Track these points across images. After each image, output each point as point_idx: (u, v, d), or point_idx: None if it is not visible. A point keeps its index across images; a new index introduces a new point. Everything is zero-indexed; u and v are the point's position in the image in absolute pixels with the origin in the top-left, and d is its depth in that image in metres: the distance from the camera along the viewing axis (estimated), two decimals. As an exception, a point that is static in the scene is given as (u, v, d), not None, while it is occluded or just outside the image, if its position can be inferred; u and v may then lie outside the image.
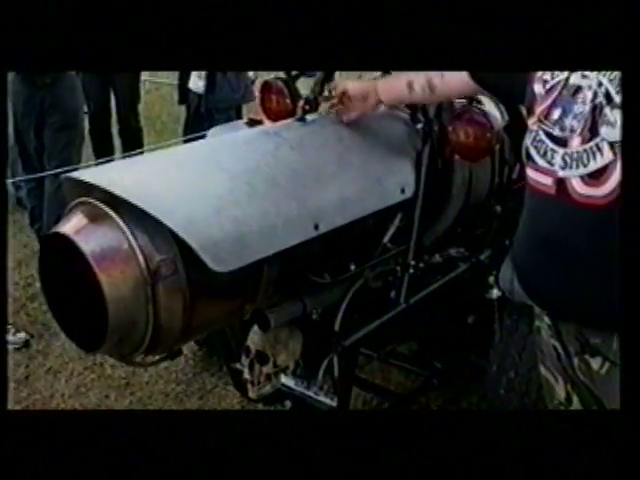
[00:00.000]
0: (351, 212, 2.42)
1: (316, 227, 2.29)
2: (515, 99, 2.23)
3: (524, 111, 2.06)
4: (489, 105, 2.84)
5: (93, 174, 2.25)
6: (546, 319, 2.04)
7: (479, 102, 2.80)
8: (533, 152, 1.87)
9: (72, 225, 2.08)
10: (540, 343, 2.12)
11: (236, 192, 2.17)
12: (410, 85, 2.42)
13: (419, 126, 2.75)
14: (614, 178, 1.69)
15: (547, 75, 1.88)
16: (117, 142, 6.50)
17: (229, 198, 2.15)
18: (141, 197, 2.01)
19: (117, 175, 2.16)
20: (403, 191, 2.62)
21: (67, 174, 2.22)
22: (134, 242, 2.02)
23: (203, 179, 2.22)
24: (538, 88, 1.90)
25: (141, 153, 5.71)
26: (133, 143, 6.25)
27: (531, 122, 1.89)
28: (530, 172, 1.89)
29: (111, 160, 5.53)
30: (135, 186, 2.10)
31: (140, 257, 2.01)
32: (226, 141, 2.61)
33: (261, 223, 2.16)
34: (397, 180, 2.61)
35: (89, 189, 2.11)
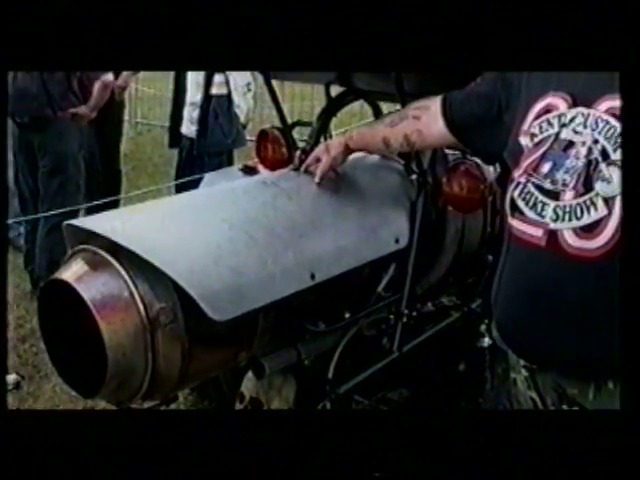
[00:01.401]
0: (347, 262, 2.46)
1: (312, 276, 2.32)
2: (491, 155, 2.26)
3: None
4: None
5: (95, 222, 2.28)
6: (523, 371, 2.06)
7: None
8: (521, 204, 1.86)
9: (73, 272, 2.11)
10: (517, 394, 2.13)
11: (235, 242, 2.21)
12: (386, 142, 2.44)
13: (413, 177, 2.80)
14: (607, 231, 1.71)
15: (535, 129, 1.89)
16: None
17: (228, 248, 2.19)
18: (142, 245, 2.04)
19: (119, 223, 2.19)
20: (397, 241, 2.66)
21: (68, 221, 2.25)
22: (135, 290, 2.05)
23: (203, 228, 2.26)
24: (525, 141, 1.90)
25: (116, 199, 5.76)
26: (112, 186, 6.15)
27: (517, 174, 1.89)
28: (516, 224, 1.89)
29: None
30: (136, 234, 2.13)
31: (140, 305, 2.04)
32: (225, 190, 2.66)
33: (259, 272, 2.19)
34: (392, 230, 2.66)
35: (90, 236, 2.14)
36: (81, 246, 2.18)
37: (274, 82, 3.24)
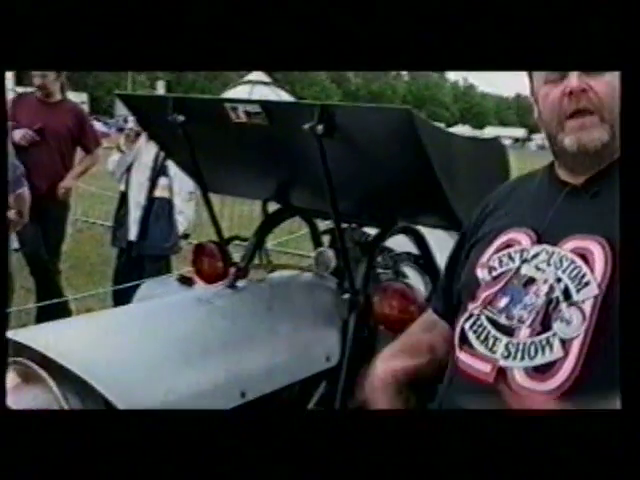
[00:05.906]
0: (278, 380, 2.50)
1: (243, 395, 2.35)
2: None
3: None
4: (414, 278, 2.98)
5: (28, 334, 2.30)
6: None
7: (404, 275, 2.94)
8: (471, 336, 1.79)
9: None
10: None
11: (169, 360, 2.26)
12: None
13: (346, 296, 2.83)
14: (561, 374, 1.63)
15: (494, 262, 1.83)
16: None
17: (162, 365, 2.23)
18: (75, 361, 2.07)
19: (52, 336, 2.21)
20: (328, 359, 2.71)
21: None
22: (65, 405, 2.07)
23: (137, 345, 2.30)
24: (482, 273, 1.84)
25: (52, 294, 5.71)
26: (48, 285, 5.95)
27: (471, 307, 1.83)
28: (463, 356, 1.81)
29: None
30: (70, 349, 2.16)
31: None
32: (161, 306, 2.70)
33: (191, 391, 2.22)
34: (323, 349, 2.71)
35: (24, 348, 2.15)
36: (14, 358, 2.19)
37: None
